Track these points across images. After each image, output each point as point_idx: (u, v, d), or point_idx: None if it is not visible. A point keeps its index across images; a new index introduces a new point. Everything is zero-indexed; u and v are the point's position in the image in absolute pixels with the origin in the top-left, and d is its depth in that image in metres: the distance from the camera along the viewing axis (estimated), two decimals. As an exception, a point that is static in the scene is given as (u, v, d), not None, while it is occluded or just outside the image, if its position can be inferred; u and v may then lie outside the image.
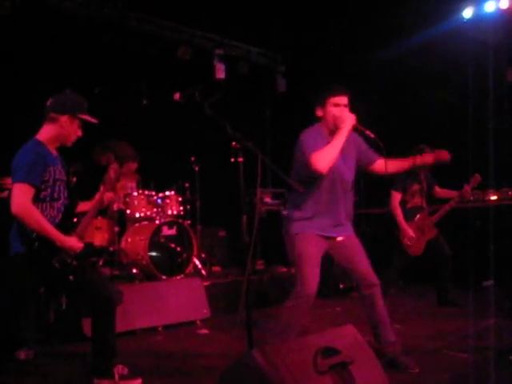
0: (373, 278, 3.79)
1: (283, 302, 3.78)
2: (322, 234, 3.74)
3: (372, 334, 3.82)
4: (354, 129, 3.64)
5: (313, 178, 3.65)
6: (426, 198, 5.92)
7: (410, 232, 5.72)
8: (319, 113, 3.77)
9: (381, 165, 3.83)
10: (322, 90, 3.81)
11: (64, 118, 3.56)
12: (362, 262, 3.82)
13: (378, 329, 3.81)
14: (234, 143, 3.18)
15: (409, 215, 5.84)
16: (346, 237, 3.85)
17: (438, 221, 5.77)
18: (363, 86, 8.11)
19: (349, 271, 3.79)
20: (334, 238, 3.79)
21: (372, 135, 3.64)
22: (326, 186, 3.71)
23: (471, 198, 5.73)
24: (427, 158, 3.90)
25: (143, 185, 6.76)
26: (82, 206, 3.81)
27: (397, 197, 5.85)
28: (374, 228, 8.04)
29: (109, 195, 3.80)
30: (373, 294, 3.79)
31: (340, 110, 3.69)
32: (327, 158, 3.50)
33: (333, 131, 3.70)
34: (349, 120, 3.61)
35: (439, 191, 5.94)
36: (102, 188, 3.77)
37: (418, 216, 5.82)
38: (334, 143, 3.56)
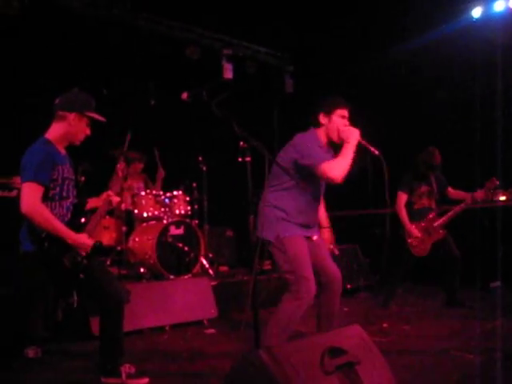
0: (338, 274, 3.81)
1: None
2: (305, 235, 3.76)
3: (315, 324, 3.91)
4: (358, 144, 3.63)
5: (306, 179, 3.67)
6: (435, 200, 5.91)
7: (415, 232, 5.72)
8: (322, 120, 3.77)
9: None
10: (331, 98, 3.80)
11: (72, 116, 3.56)
12: (328, 259, 3.87)
13: (321, 321, 3.90)
14: (241, 143, 3.19)
15: (416, 216, 5.84)
16: (318, 236, 3.91)
17: (446, 223, 5.75)
18: (371, 86, 8.11)
19: (318, 269, 3.77)
20: (311, 238, 3.81)
21: (376, 152, 3.63)
22: (312, 188, 3.76)
23: (482, 200, 5.70)
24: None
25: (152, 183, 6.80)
26: (91, 203, 3.82)
27: (402, 197, 5.85)
28: (382, 228, 8.03)
29: (116, 199, 3.83)
30: (335, 290, 3.80)
31: (345, 123, 3.72)
32: (340, 169, 3.54)
33: (331, 141, 3.75)
34: (354, 135, 3.62)
35: (452, 192, 5.91)
36: (108, 193, 3.80)
37: (425, 217, 5.81)
38: (344, 157, 3.58)
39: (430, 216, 5.80)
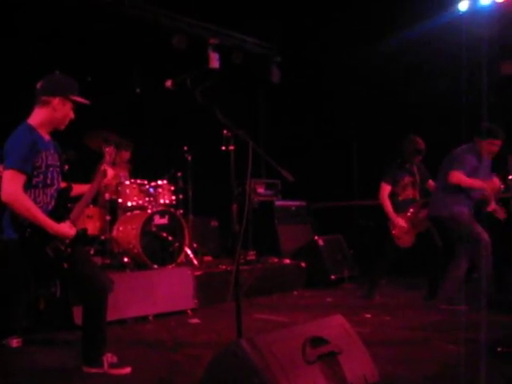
0: None
1: (274, 292, 3.77)
2: None
3: None
4: None
5: None
6: (418, 191, 5.93)
7: (401, 222, 5.74)
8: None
9: None
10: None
11: (56, 101, 3.49)
12: None
13: None
14: (225, 131, 3.17)
15: (400, 207, 5.85)
16: None
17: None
18: (358, 78, 8.13)
19: None
20: None
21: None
22: None
23: None
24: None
25: (135, 174, 6.75)
26: (78, 189, 3.76)
27: (386, 188, 5.87)
28: (366, 220, 8.08)
29: (111, 172, 3.75)
30: None
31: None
32: None
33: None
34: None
35: (432, 185, 5.92)
36: (101, 166, 3.72)
37: (409, 208, 5.83)
38: None
39: (413, 208, 5.81)
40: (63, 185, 3.63)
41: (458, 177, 5.18)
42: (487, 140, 5.23)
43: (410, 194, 5.90)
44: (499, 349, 3.72)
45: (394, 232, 5.77)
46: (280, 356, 2.58)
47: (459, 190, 5.26)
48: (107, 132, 5.69)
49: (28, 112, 3.55)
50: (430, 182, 5.94)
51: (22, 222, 3.34)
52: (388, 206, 5.83)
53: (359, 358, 2.91)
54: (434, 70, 7.36)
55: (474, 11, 7.17)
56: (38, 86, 3.54)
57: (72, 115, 3.60)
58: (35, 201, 3.41)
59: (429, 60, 7.37)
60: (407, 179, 5.89)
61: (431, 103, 7.33)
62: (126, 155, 6.80)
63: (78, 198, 3.70)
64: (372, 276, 6.16)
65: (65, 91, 3.53)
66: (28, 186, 3.39)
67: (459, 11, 7.29)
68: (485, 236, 5.17)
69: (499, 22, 6.83)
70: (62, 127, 3.61)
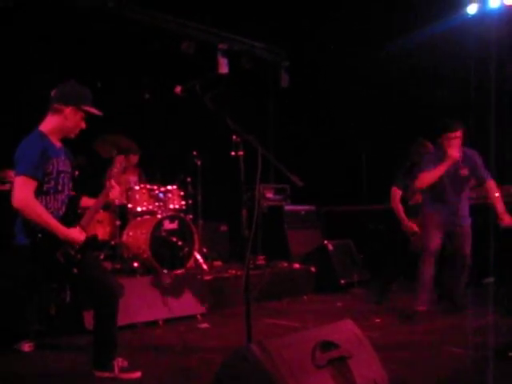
0: None
1: (284, 297, 3.78)
2: None
3: None
4: None
5: None
6: None
7: (414, 228, 5.73)
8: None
9: None
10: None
11: (68, 110, 3.53)
12: None
13: None
14: (234, 137, 3.19)
15: (411, 212, 5.84)
16: None
17: None
18: (366, 82, 8.13)
19: None
20: None
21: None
22: None
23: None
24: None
25: (147, 178, 6.77)
26: (86, 202, 3.80)
27: (397, 193, 5.86)
28: (376, 224, 8.05)
29: (117, 189, 3.74)
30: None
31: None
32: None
33: None
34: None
35: None
36: (108, 182, 3.75)
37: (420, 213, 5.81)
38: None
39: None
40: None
41: (419, 178, 5.08)
42: (445, 135, 4.99)
43: (420, 199, 5.88)
44: (510, 353, 3.70)
45: (413, 238, 5.73)
46: (290, 360, 2.58)
47: (434, 194, 5.16)
48: (116, 137, 5.74)
49: (39, 119, 3.59)
50: None
51: (33, 227, 3.37)
52: (400, 212, 5.82)
53: (369, 362, 2.91)
54: (442, 73, 7.35)
55: (483, 14, 7.16)
56: (52, 93, 3.58)
57: (83, 125, 3.63)
58: (46, 207, 3.45)
59: (438, 63, 7.36)
60: (416, 184, 5.88)
61: (440, 106, 7.32)
62: (135, 159, 6.83)
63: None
64: (382, 281, 6.14)
65: (78, 101, 3.56)
66: (39, 193, 3.42)
67: (468, 14, 7.28)
68: (432, 246, 5.05)
69: (508, 25, 6.82)
70: (72, 136, 3.65)
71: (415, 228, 5.73)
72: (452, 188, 5.14)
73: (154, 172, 6.86)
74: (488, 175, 5.15)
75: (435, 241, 5.07)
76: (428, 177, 5.02)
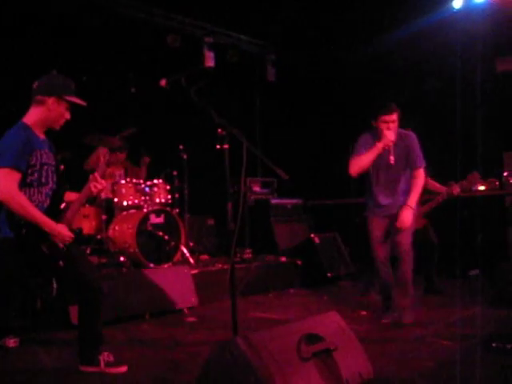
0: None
1: (270, 290, 3.77)
2: None
3: None
4: None
5: None
6: None
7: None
8: None
9: None
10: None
11: (51, 101, 3.50)
12: None
13: None
14: (219, 130, 3.18)
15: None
16: None
17: (428, 212, 5.80)
18: (353, 76, 8.14)
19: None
20: None
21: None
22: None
23: (459, 195, 5.68)
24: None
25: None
26: (69, 196, 3.76)
27: None
28: (362, 217, 8.07)
29: (103, 182, 3.60)
30: None
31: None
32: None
33: None
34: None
35: (429, 183, 5.89)
36: (92, 176, 3.69)
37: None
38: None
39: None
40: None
41: (350, 163, 4.72)
42: (381, 118, 4.66)
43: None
44: (494, 344, 3.73)
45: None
46: (275, 353, 2.60)
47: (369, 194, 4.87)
48: (104, 135, 5.70)
49: (23, 111, 3.56)
50: (428, 179, 5.93)
51: (18, 220, 3.34)
52: None
53: (354, 354, 2.93)
54: (428, 67, 7.37)
55: (469, 8, 7.18)
56: (34, 85, 3.55)
57: (67, 116, 3.60)
58: (30, 199, 3.42)
59: (423, 58, 7.38)
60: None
61: (425, 101, 7.35)
62: (122, 156, 6.80)
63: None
64: (368, 274, 6.16)
65: (60, 91, 3.53)
66: (23, 185, 3.40)
67: (453, 8, 7.31)
68: (380, 255, 4.84)
69: (493, 19, 6.85)
70: (57, 127, 3.61)
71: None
72: (384, 178, 4.77)
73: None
74: (421, 163, 4.71)
75: (381, 248, 4.82)
76: (358, 162, 4.68)
